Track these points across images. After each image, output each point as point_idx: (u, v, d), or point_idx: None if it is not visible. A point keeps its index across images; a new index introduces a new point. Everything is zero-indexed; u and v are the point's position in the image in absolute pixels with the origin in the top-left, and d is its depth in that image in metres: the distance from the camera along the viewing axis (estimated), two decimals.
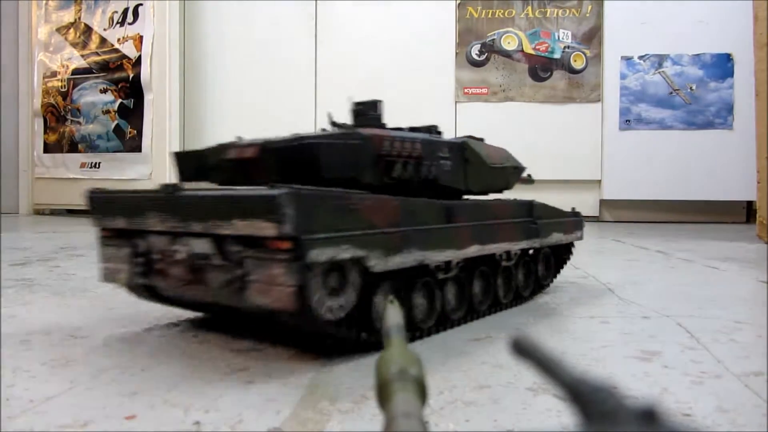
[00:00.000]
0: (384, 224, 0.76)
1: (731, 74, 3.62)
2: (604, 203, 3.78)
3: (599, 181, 3.73)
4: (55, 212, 4.19)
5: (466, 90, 3.79)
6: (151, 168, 3.61)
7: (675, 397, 0.61)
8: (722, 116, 3.64)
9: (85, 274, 1.43)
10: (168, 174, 3.52)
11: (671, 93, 3.68)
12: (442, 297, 0.89)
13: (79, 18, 3.98)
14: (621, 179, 3.68)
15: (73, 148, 3.98)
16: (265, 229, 0.64)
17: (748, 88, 2.83)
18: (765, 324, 0.94)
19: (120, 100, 3.77)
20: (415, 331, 0.83)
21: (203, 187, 0.76)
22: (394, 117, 4.19)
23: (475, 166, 1.03)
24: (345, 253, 0.69)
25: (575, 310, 1.06)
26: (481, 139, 1.12)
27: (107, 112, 3.83)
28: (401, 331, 0.29)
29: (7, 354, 0.75)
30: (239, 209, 0.67)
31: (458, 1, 3.79)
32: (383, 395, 0.24)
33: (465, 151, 1.02)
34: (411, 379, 0.24)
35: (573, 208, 1.29)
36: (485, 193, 1.13)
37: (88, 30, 3.94)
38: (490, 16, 3.79)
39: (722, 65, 3.63)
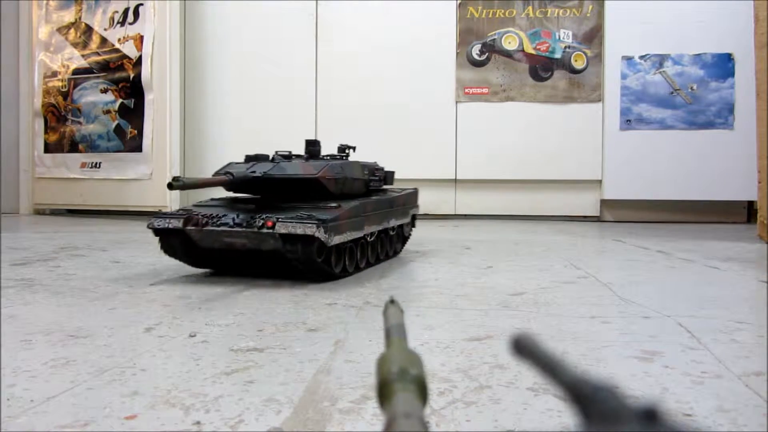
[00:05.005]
0: None
1: (732, 74, 3.62)
2: (604, 203, 3.78)
3: (600, 181, 3.73)
4: (55, 212, 4.19)
5: (466, 90, 3.78)
6: (152, 168, 3.61)
7: (676, 397, 0.61)
8: (723, 116, 3.64)
9: (85, 274, 1.43)
10: (168, 173, 3.52)
11: (672, 93, 3.67)
12: None
13: (80, 18, 3.98)
14: (622, 179, 3.68)
15: (73, 148, 3.97)
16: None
17: (749, 88, 2.83)
18: (765, 324, 0.94)
19: (120, 100, 3.77)
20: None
21: None
22: (395, 117, 4.18)
23: None
24: None
25: (576, 309, 1.06)
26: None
27: (108, 111, 3.83)
28: (402, 330, 0.29)
29: (7, 354, 0.75)
30: None
31: (459, 1, 3.78)
32: (383, 395, 0.24)
33: None
34: (412, 379, 0.24)
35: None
36: None
37: (89, 30, 3.94)
38: (490, 15, 3.79)
39: (723, 65, 3.63)
